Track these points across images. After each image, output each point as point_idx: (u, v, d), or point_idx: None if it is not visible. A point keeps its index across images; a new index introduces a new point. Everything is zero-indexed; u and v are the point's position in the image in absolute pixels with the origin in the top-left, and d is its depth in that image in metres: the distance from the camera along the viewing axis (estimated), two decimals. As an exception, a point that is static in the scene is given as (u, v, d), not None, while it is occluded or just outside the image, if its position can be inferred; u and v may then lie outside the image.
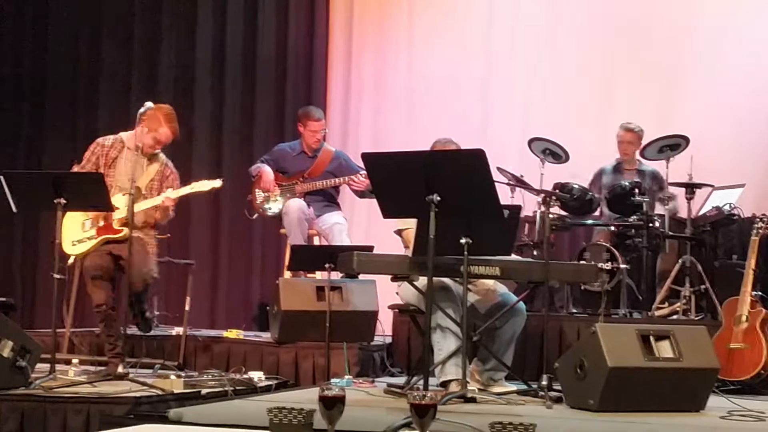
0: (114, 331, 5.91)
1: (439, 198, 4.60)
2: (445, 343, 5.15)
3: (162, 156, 6.23)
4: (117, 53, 9.24)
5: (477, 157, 4.69)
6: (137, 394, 4.89)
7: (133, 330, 6.38)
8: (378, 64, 9.06)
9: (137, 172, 5.85)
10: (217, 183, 6.13)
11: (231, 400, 5.03)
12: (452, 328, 5.14)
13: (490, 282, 5.41)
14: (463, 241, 4.80)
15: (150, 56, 9.21)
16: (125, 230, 5.80)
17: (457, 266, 4.88)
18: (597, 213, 7.49)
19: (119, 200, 5.92)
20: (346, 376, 5.86)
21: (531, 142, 7.51)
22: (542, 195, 6.49)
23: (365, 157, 4.93)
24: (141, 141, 5.99)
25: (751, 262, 5.93)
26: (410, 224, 5.21)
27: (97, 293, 5.90)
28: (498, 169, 6.74)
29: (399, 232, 5.60)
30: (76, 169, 6.22)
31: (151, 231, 6.16)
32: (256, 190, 7.38)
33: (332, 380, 5.58)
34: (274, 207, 7.34)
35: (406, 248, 5.50)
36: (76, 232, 6.03)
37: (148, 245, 6.06)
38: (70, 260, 6.10)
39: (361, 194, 7.37)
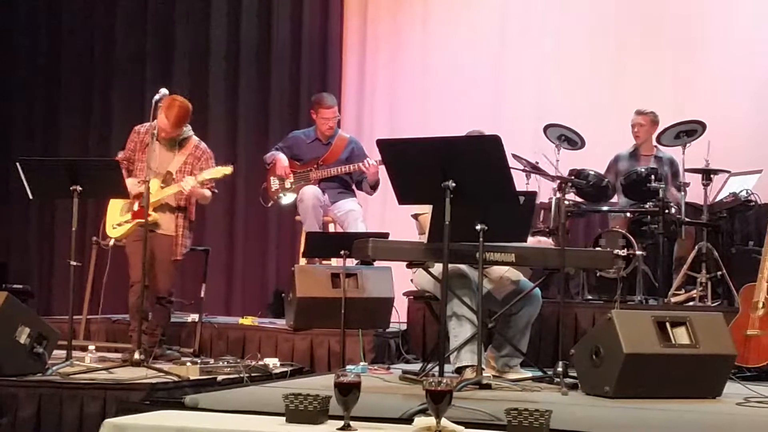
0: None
1: (454, 184, 4.58)
2: (461, 330, 5.15)
3: (194, 138, 6.23)
4: (131, 39, 9.25)
5: (493, 143, 4.66)
6: (153, 381, 4.92)
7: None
8: (393, 50, 9.04)
9: (161, 158, 5.94)
10: (228, 169, 6.14)
11: (246, 386, 5.04)
12: (468, 316, 5.14)
13: (503, 268, 5.40)
14: (478, 227, 4.79)
15: (164, 42, 9.21)
16: (155, 215, 5.91)
17: (473, 253, 4.87)
18: (613, 199, 7.46)
19: (151, 184, 5.92)
20: (362, 363, 5.86)
21: (546, 128, 7.49)
22: (558, 181, 6.47)
23: (381, 143, 4.91)
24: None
25: (768, 248, 5.91)
26: (427, 209, 5.19)
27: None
28: (513, 155, 6.72)
29: (416, 216, 5.57)
30: (120, 157, 6.21)
31: (182, 213, 6.14)
32: (271, 177, 7.37)
33: (347, 367, 5.59)
34: (288, 197, 7.31)
35: (421, 234, 5.49)
36: (116, 216, 6.12)
37: (179, 227, 6.07)
38: (111, 242, 6.22)
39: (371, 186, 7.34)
